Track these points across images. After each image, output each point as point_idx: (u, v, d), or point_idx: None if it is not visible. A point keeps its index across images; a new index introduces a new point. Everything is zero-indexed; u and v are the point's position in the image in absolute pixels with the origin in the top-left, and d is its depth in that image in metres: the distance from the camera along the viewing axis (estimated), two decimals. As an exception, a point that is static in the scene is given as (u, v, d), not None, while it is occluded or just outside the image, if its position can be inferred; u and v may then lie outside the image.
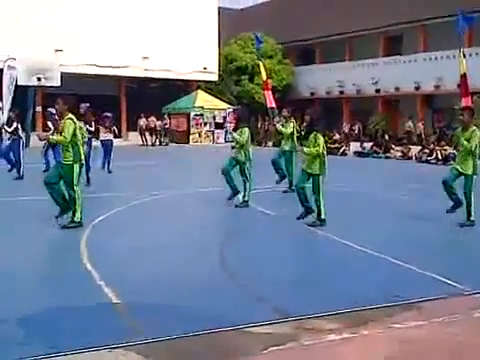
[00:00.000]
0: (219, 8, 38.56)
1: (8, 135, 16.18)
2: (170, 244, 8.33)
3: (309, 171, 9.42)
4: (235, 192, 11.57)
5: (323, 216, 9.41)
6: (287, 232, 9.37)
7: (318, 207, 9.41)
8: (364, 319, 5.19)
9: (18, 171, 15.37)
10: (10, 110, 17.05)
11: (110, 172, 17.01)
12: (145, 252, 7.69)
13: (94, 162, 15.16)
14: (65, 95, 9.73)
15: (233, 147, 11.68)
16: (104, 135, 17.06)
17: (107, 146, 17.09)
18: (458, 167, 9.67)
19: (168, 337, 4.72)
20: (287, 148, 13.52)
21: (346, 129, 33.72)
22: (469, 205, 9.53)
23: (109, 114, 17.81)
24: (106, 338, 4.67)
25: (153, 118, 34.40)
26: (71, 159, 8.89)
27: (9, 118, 16.46)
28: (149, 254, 7.60)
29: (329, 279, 6.57)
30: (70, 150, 8.88)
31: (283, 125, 13.65)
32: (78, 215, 8.93)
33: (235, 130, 11.92)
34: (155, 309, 5.42)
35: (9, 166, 15.89)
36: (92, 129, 14.84)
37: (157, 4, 34.94)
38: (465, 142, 9.38)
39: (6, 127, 16.03)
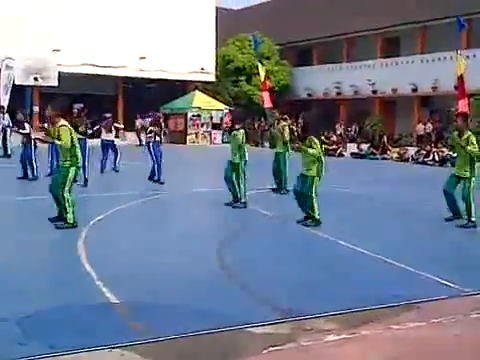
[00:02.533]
0: (216, 8, 38.55)
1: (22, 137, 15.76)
2: (169, 244, 8.34)
3: (307, 174, 9.45)
4: (236, 199, 11.51)
5: (317, 216, 9.45)
6: (286, 233, 9.39)
7: (312, 207, 9.44)
8: (363, 320, 5.20)
9: (32, 172, 15.08)
10: (21, 111, 16.71)
11: (117, 171, 17.02)
12: (144, 252, 7.68)
13: (94, 163, 15.13)
14: (59, 96, 9.76)
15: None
16: (105, 136, 17.04)
17: (109, 146, 17.01)
18: (456, 173, 9.84)
19: (167, 337, 4.73)
20: (280, 150, 13.53)
21: (340, 130, 33.60)
22: (469, 207, 9.60)
23: (109, 115, 17.77)
24: (106, 338, 4.68)
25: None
26: (69, 162, 8.92)
27: (19, 119, 16.19)
28: (148, 254, 7.60)
29: (327, 280, 6.58)
30: (68, 154, 8.91)
31: (273, 126, 13.66)
32: (70, 216, 8.88)
33: (230, 131, 11.89)
34: (154, 309, 5.42)
35: (22, 174, 15.07)
36: (83, 130, 14.46)
37: (154, 4, 34.92)
38: (469, 148, 9.52)
39: (20, 130, 15.67)
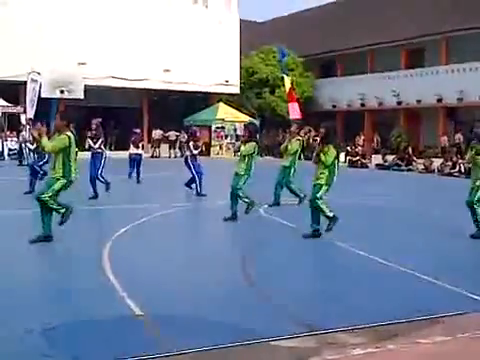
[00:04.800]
0: (240, 21, 38.73)
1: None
2: (193, 256, 8.34)
3: (316, 182, 9.47)
4: (250, 204, 11.57)
5: (330, 214, 9.50)
6: (310, 245, 9.32)
7: (321, 210, 9.44)
8: (389, 334, 5.14)
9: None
10: (41, 122, 16.94)
11: (139, 182, 17.56)
12: (168, 263, 7.70)
13: (117, 175, 15.24)
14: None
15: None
16: (134, 150, 17.99)
17: (136, 161, 17.92)
18: (476, 184, 9.69)
19: (191, 350, 4.71)
20: (287, 164, 13.47)
21: (360, 142, 33.19)
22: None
23: (138, 130, 18.26)
24: (129, 350, 4.67)
25: (173, 132, 34.54)
26: (60, 174, 8.75)
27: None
28: (172, 265, 7.61)
29: (353, 293, 6.51)
30: (61, 166, 8.75)
31: (290, 141, 13.63)
32: (60, 209, 8.80)
33: (245, 143, 11.82)
34: (178, 322, 5.41)
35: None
36: (97, 144, 14.46)
37: (179, 17, 35.22)
38: None
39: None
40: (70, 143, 8.86)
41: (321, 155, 9.32)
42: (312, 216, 9.51)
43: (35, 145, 15.58)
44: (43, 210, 8.76)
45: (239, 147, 11.60)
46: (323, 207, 9.47)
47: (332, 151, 9.39)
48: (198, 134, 16.50)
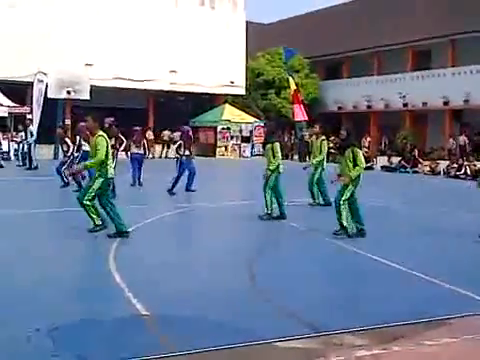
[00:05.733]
0: (246, 22, 38.75)
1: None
2: (199, 257, 8.35)
3: (344, 183, 9.43)
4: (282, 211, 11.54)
5: (345, 224, 9.42)
6: (316, 246, 9.32)
7: (340, 214, 9.39)
8: (395, 335, 5.13)
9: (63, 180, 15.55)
10: (60, 126, 17.03)
11: (141, 185, 17.08)
12: (173, 265, 7.71)
13: (122, 175, 15.24)
14: (91, 109, 9.90)
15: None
16: (135, 149, 17.18)
17: (137, 160, 17.09)
18: None
19: (197, 350, 4.72)
20: (316, 162, 13.44)
21: (366, 143, 33.16)
22: None
23: (138, 128, 17.82)
24: (134, 350, 4.68)
25: (164, 132, 34.09)
26: (98, 173, 9.06)
27: (59, 134, 16.45)
28: (177, 267, 7.62)
29: (359, 295, 6.51)
30: (99, 165, 9.02)
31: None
32: (95, 219, 9.11)
33: (264, 145, 11.87)
34: (184, 322, 5.41)
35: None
36: (113, 143, 14.67)
37: (185, 18, 35.27)
38: None
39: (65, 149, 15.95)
40: (107, 142, 9.07)
41: (347, 157, 9.32)
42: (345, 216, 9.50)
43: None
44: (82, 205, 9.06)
45: (263, 149, 11.61)
46: (343, 213, 9.40)
47: (359, 153, 9.42)
48: (190, 133, 16.32)
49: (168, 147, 33.67)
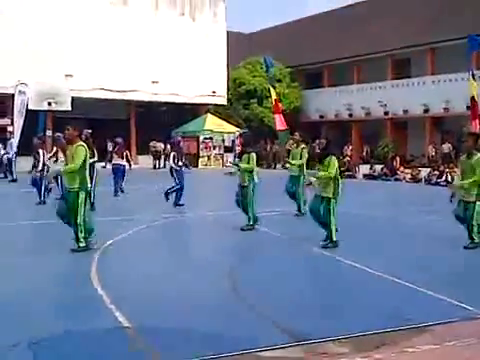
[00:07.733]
0: (228, 32, 38.89)
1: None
2: (181, 267, 8.32)
3: (323, 195, 9.40)
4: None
5: (334, 238, 9.39)
6: (298, 255, 9.32)
7: (330, 229, 9.39)
8: (377, 343, 5.14)
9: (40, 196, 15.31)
10: (38, 137, 16.77)
11: (122, 192, 17.10)
12: (156, 275, 7.67)
13: (103, 187, 15.18)
14: (76, 120, 9.81)
15: (238, 169, 11.58)
16: (116, 160, 17.20)
17: (119, 171, 17.13)
18: (464, 198, 9.50)
19: (179, 361, 4.70)
20: (295, 173, 13.46)
21: (348, 152, 33.33)
22: (471, 230, 9.38)
23: (120, 139, 17.81)
24: (117, 362, 4.66)
25: (154, 142, 34.19)
26: (77, 186, 8.84)
27: (35, 144, 16.20)
28: (160, 277, 7.59)
29: (341, 303, 6.52)
30: (76, 177, 8.84)
31: (292, 149, 13.60)
32: (81, 241, 8.90)
33: (240, 156, 11.84)
34: (166, 333, 5.39)
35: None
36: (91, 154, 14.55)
37: (166, 29, 35.32)
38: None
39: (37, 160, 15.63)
40: (87, 152, 8.95)
41: (325, 165, 9.32)
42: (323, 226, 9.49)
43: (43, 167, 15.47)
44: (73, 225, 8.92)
45: (240, 159, 11.53)
46: (332, 228, 9.36)
47: (335, 161, 9.39)
48: (181, 144, 16.28)
49: (159, 158, 33.77)
